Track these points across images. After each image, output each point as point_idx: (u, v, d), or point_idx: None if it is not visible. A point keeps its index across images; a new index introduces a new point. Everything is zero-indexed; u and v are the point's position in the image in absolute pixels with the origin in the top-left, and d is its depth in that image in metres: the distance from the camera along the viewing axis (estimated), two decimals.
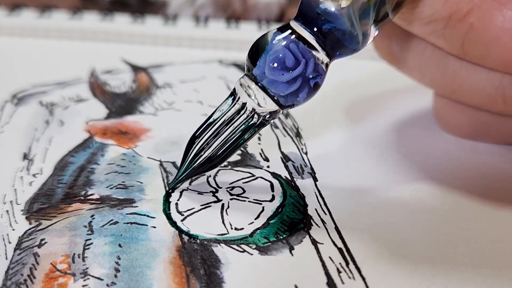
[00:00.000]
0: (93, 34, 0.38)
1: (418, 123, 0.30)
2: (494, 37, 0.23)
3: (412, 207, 0.24)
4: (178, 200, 0.24)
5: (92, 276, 0.21)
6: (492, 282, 0.21)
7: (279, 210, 0.24)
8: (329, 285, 0.21)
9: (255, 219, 0.23)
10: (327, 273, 0.21)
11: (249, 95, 0.22)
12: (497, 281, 0.21)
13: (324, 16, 0.22)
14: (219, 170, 0.26)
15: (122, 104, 0.31)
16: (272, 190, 0.25)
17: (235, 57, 0.36)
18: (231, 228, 0.23)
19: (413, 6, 0.23)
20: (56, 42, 0.38)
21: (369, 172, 0.26)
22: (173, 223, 0.23)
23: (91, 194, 0.24)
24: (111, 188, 0.25)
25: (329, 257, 0.22)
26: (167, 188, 0.25)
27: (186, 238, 0.22)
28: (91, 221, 0.23)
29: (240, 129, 0.23)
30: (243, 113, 0.23)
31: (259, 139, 0.28)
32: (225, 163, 0.25)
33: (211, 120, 0.23)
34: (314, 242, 0.22)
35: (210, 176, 0.25)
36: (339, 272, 0.21)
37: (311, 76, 0.22)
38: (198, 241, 0.22)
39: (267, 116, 0.23)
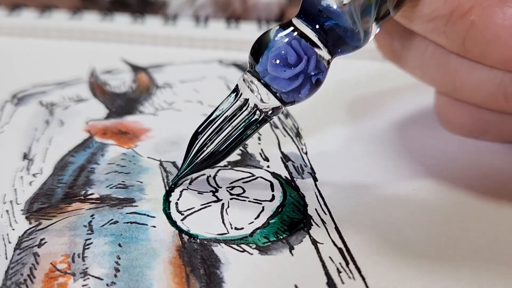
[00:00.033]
0: (93, 34, 0.38)
1: (418, 122, 0.30)
2: (494, 35, 0.23)
3: (412, 207, 0.24)
4: (178, 199, 0.24)
5: (92, 276, 0.21)
6: (492, 282, 0.21)
7: (279, 209, 0.24)
8: (329, 285, 0.21)
9: (255, 218, 0.23)
10: (327, 273, 0.21)
11: (252, 91, 0.22)
12: (497, 281, 0.21)
13: (326, 13, 0.22)
14: (219, 169, 0.26)
15: (122, 104, 0.31)
16: (272, 189, 0.25)
17: (235, 57, 0.36)
18: (231, 228, 0.23)
19: (414, 4, 0.23)
20: (56, 42, 0.38)
21: (369, 172, 0.26)
22: (173, 223, 0.23)
23: (91, 194, 0.24)
24: (111, 188, 0.25)
25: (329, 257, 0.22)
26: (170, 184, 0.25)
27: (186, 237, 0.22)
28: (91, 221, 0.23)
29: (242, 125, 0.23)
30: (245, 109, 0.23)
31: (259, 139, 0.28)
32: (225, 162, 0.25)
33: (213, 116, 0.23)
34: (314, 242, 0.22)
35: (210, 175, 0.25)
36: (339, 272, 0.21)
37: (313, 73, 0.22)
38: (198, 240, 0.22)
39: (269, 112, 0.23)
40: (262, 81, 0.22)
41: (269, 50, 0.22)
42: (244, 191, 0.25)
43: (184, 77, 0.34)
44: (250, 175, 0.26)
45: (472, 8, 0.23)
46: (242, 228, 0.23)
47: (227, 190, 0.25)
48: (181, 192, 0.24)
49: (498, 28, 0.23)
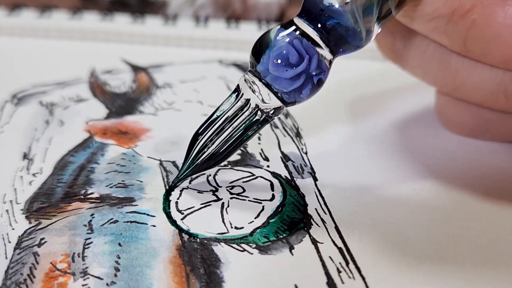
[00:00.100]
0: (93, 34, 0.38)
1: (419, 122, 0.30)
2: (495, 34, 0.23)
3: (412, 207, 0.24)
4: (178, 198, 0.24)
5: (92, 276, 0.21)
6: (493, 282, 0.21)
7: (279, 209, 0.24)
8: (329, 285, 0.21)
9: (255, 218, 0.23)
10: (327, 273, 0.21)
11: (253, 91, 0.22)
12: (498, 280, 0.21)
13: (328, 13, 0.22)
14: (219, 169, 0.26)
15: (122, 104, 0.31)
16: (272, 189, 0.25)
17: (235, 57, 0.36)
18: (231, 227, 0.23)
19: (416, 3, 0.23)
20: (56, 42, 0.38)
21: (369, 171, 0.26)
22: (173, 222, 0.23)
23: (91, 193, 0.24)
24: (111, 187, 0.25)
25: (329, 257, 0.22)
26: (170, 185, 0.25)
27: (186, 237, 0.22)
28: (91, 220, 0.23)
29: (243, 125, 0.23)
30: (246, 110, 0.23)
31: (259, 138, 0.28)
32: (225, 162, 0.25)
33: (214, 117, 0.23)
34: (314, 242, 0.22)
35: (210, 175, 0.25)
36: (339, 271, 0.21)
37: (314, 73, 0.22)
38: (198, 240, 0.22)
39: (271, 112, 0.23)
40: (263, 81, 0.22)
41: (270, 50, 0.22)
42: (244, 190, 0.25)
43: (184, 77, 0.34)
44: (250, 174, 0.26)
45: (473, 7, 0.23)
46: (242, 228, 0.23)
47: (227, 190, 0.25)
48: (181, 191, 0.24)
49: (499, 27, 0.23)
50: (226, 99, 0.23)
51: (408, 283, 0.21)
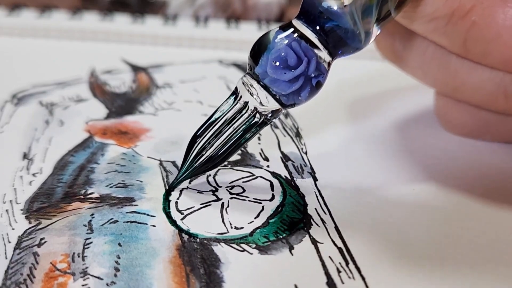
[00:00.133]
0: (93, 34, 0.38)
1: (418, 123, 0.30)
2: (495, 35, 0.23)
3: (412, 207, 0.24)
4: (178, 198, 0.24)
5: (92, 276, 0.21)
6: (493, 282, 0.21)
7: (279, 209, 0.24)
8: (329, 285, 0.21)
9: (255, 218, 0.23)
10: (327, 273, 0.21)
11: (251, 94, 0.22)
12: (498, 280, 0.21)
13: (326, 15, 0.21)
14: (219, 169, 0.25)
15: (122, 104, 0.31)
16: (272, 189, 0.25)
17: (235, 57, 0.36)
18: (231, 227, 0.23)
19: (416, 4, 0.23)
20: (56, 42, 0.38)
21: (369, 171, 0.26)
22: (173, 222, 0.23)
23: (91, 193, 0.24)
24: (111, 187, 0.25)
25: (329, 257, 0.22)
26: (168, 187, 0.25)
27: (186, 237, 0.22)
28: (90, 220, 0.23)
29: (241, 128, 0.23)
30: (245, 112, 0.23)
31: (259, 138, 0.28)
32: (225, 162, 0.25)
33: (212, 119, 0.23)
34: (314, 242, 0.22)
35: (210, 175, 0.25)
36: (338, 271, 0.21)
37: (313, 75, 0.22)
38: (198, 240, 0.22)
39: (269, 115, 0.23)
40: (261, 83, 0.22)
41: (269, 52, 0.22)
42: (244, 190, 0.25)
43: (184, 77, 0.34)
44: (250, 174, 0.26)
45: (473, 8, 0.23)
46: (242, 228, 0.23)
47: (227, 190, 0.25)
48: (181, 191, 0.24)
49: (499, 28, 0.23)
50: (225, 101, 0.23)
51: (408, 283, 0.21)
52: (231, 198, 0.24)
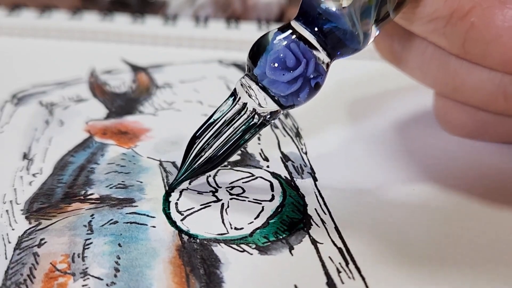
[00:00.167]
0: (93, 34, 0.38)
1: (418, 123, 0.30)
2: (494, 36, 0.23)
3: (412, 207, 0.24)
4: (177, 199, 0.24)
5: (92, 276, 0.21)
6: (493, 282, 0.21)
7: (279, 209, 0.24)
8: (329, 285, 0.21)
9: (255, 218, 0.23)
10: (326, 273, 0.21)
11: (249, 95, 0.22)
12: (498, 280, 0.21)
13: (325, 16, 0.21)
14: (219, 170, 0.25)
15: (122, 104, 0.31)
16: (272, 190, 0.25)
17: (235, 57, 0.36)
18: (231, 228, 0.23)
19: (414, 5, 0.23)
20: (56, 42, 0.38)
21: (369, 172, 0.26)
22: (173, 223, 0.23)
23: (91, 194, 0.24)
24: (110, 188, 0.25)
25: (329, 257, 0.22)
26: (167, 188, 0.25)
27: (185, 237, 0.22)
28: (90, 221, 0.23)
29: (240, 129, 0.23)
30: (244, 114, 0.23)
31: (258, 139, 0.28)
32: (225, 163, 0.25)
33: (211, 120, 0.23)
34: (314, 242, 0.22)
35: (210, 176, 0.25)
36: (338, 272, 0.21)
37: (312, 76, 0.22)
38: (197, 240, 0.22)
39: (268, 116, 0.23)
40: (260, 84, 0.22)
41: (267, 53, 0.22)
42: (244, 191, 0.25)
43: (184, 77, 0.34)
44: (250, 175, 0.26)
45: (472, 10, 0.23)
46: (241, 228, 0.23)
47: (227, 190, 0.25)
48: (181, 192, 0.24)
49: (498, 29, 0.23)
50: (224, 102, 0.23)
51: (408, 283, 0.21)
52: (231, 198, 0.24)
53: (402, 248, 0.22)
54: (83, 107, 0.31)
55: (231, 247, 0.22)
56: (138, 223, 0.23)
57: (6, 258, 0.21)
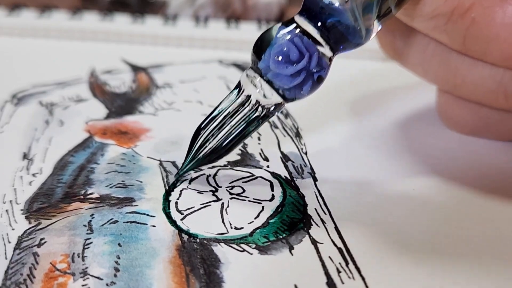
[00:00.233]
0: (93, 34, 0.38)
1: (418, 123, 0.30)
2: (494, 33, 0.23)
3: (412, 207, 0.24)
4: (177, 199, 0.24)
5: (92, 276, 0.21)
6: (493, 282, 0.21)
7: (279, 209, 0.24)
8: (329, 285, 0.21)
9: (255, 218, 0.23)
10: (326, 273, 0.21)
11: (255, 85, 0.22)
12: (498, 280, 0.21)
13: (328, 11, 0.22)
14: (218, 169, 0.26)
15: (122, 104, 0.31)
16: (272, 189, 0.25)
17: (235, 57, 0.36)
18: (231, 227, 0.23)
19: (416, 2, 0.24)
20: (56, 42, 0.38)
21: (369, 171, 0.26)
22: (173, 222, 0.23)
23: (91, 193, 0.24)
24: (110, 187, 0.25)
25: (329, 257, 0.22)
26: (173, 179, 0.25)
27: (185, 237, 0.22)
28: (90, 220, 0.23)
29: (244, 121, 0.23)
30: (247, 106, 0.23)
31: (258, 139, 0.28)
32: (225, 162, 0.25)
33: (216, 112, 0.23)
34: (314, 242, 0.22)
35: (210, 175, 0.25)
36: (338, 272, 0.21)
37: (315, 70, 0.22)
38: (197, 240, 0.22)
39: (271, 108, 0.23)
40: (264, 78, 0.22)
41: (271, 47, 0.22)
42: (244, 190, 0.25)
43: (184, 77, 0.34)
44: (250, 174, 0.26)
45: (472, 6, 0.23)
46: (241, 228, 0.23)
47: (227, 190, 0.25)
48: (180, 191, 0.24)
49: (498, 26, 0.23)
50: (228, 95, 0.23)
51: (408, 283, 0.21)
52: (231, 198, 0.24)
53: (402, 248, 0.22)
54: (83, 107, 0.31)
55: (231, 246, 0.22)
56: (138, 223, 0.23)
57: (6, 258, 0.21)
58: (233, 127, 0.23)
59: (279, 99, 0.23)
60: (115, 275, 0.21)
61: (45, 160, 0.26)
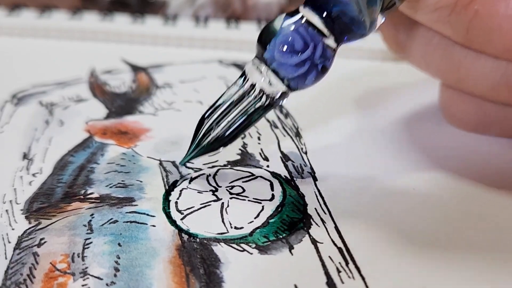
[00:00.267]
0: (93, 34, 0.38)
1: (418, 124, 0.30)
2: (497, 25, 0.23)
3: (412, 207, 0.24)
4: (177, 198, 0.24)
5: (92, 276, 0.21)
6: (493, 281, 0.21)
7: (279, 209, 0.24)
8: (329, 285, 0.21)
9: (255, 218, 0.23)
10: (326, 273, 0.21)
11: (260, 72, 0.23)
12: (498, 280, 0.21)
13: (333, 2, 0.22)
14: (218, 169, 0.26)
15: (122, 104, 0.31)
16: (272, 189, 0.25)
17: (235, 57, 0.36)
18: (231, 227, 0.23)
19: None
20: (56, 42, 0.38)
21: (369, 171, 0.26)
22: (173, 222, 0.23)
23: (91, 193, 0.24)
24: (110, 187, 0.25)
25: (329, 257, 0.22)
26: (179, 162, 0.25)
27: (185, 237, 0.22)
28: (90, 220, 0.23)
29: (248, 109, 0.23)
30: (252, 94, 0.23)
31: (258, 138, 0.28)
32: (225, 162, 0.25)
33: (220, 101, 0.24)
34: (314, 242, 0.22)
35: (209, 175, 0.25)
36: (338, 271, 0.21)
37: (319, 60, 0.22)
38: (197, 240, 0.22)
39: (276, 97, 0.23)
40: (269, 67, 0.22)
41: (276, 37, 0.22)
42: (244, 190, 0.25)
43: (184, 77, 0.34)
44: (250, 174, 0.26)
45: None
46: (241, 228, 0.23)
47: (226, 190, 0.25)
48: (180, 191, 0.24)
49: (501, 18, 0.23)
50: (233, 83, 0.23)
51: (408, 283, 0.21)
52: (231, 198, 0.24)
53: (402, 247, 0.22)
54: (83, 107, 0.31)
55: (231, 246, 0.22)
56: (138, 222, 0.23)
57: (6, 258, 0.21)
58: (237, 116, 0.23)
59: (283, 88, 0.23)
60: (115, 275, 0.21)
61: (45, 160, 0.26)
